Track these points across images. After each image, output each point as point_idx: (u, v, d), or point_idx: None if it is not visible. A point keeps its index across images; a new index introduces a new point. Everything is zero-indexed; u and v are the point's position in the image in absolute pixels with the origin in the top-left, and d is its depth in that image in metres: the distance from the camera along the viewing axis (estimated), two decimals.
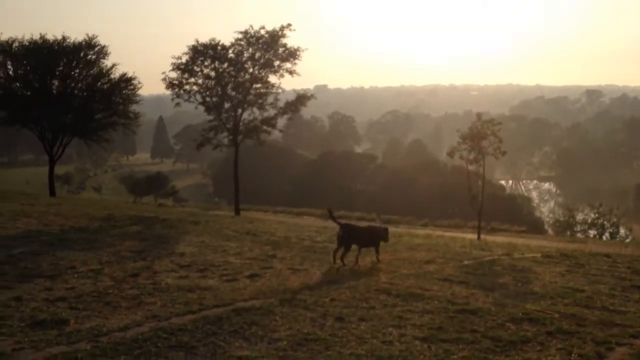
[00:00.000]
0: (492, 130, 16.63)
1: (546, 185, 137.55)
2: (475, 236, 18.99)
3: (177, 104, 25.16)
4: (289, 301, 7.23)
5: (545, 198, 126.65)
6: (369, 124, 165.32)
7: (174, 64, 23.66)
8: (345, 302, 7.27)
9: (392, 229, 28.85)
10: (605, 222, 58.32)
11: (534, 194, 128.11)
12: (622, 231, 60.94)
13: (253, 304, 7.11)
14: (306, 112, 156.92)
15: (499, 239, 27.17)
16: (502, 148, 16.76)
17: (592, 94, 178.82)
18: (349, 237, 9.98)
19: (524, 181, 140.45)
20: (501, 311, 6.93)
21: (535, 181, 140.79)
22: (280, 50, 23.20)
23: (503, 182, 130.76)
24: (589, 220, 59.72)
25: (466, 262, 10.14)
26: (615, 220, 58.88)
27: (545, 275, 9.20)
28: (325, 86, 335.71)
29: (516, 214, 67.84)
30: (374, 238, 10.28)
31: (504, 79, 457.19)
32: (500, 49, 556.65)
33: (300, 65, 23.73)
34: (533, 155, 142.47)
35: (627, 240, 59.87)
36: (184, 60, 23.70)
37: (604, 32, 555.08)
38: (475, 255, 11.15)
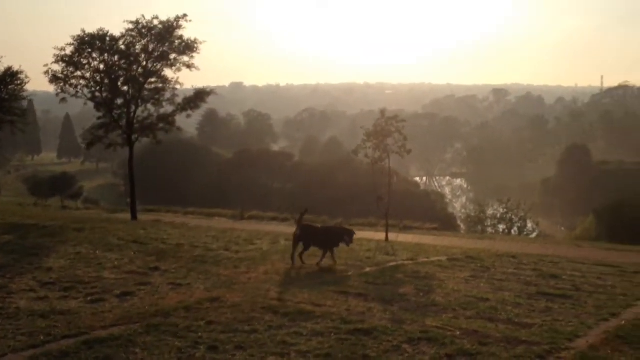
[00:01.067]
0: (397, 127, 16.01)
1: (458, 182, 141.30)
2: (381, 236, 18.36)
3: (63, 100, 23.17)
4: (157, 327, 6.17)
5: (458, 194, 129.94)
6: (286, 121, 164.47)
7: (57, 55, 21.71)
8: (224, 325, 6.29)
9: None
10: (513, 217, 60.12)
11: (447, 190, 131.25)
12: (529, 225, 63.05)
13: (112, 332, 6.01)
14: (222, 109, 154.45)
15: (410, 237, 26.96)
16: (409, 146, 16.23)
17: (499, 92, 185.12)
18: (306, 237, 10.03)
19: (437, 177, 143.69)
20: (398, 329, 6.17)
21: (447, 177, 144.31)
22: (176, 42, 21.73)
23: (418, 178, 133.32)
24: (498, 215, 61.48)
25: (368, 270, 9.40)
26: (522, 214, 60.85)
27: (449, 283, 8.57)
28: (241, 84, 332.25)
29: (430, 210, 68.88)
30: (330, 240, 10.17)
31: (417, 78, 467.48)
32: (413, 49, 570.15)
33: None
34: (445, 152, 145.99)
35: (534, 235, 62.08)
36: (68, 51, 21.79)
37: (509, 33, 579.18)
38: (379, 261, 10.44)
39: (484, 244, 25.87)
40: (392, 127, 15.67)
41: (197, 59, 22.26)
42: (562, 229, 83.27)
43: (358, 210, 56.76)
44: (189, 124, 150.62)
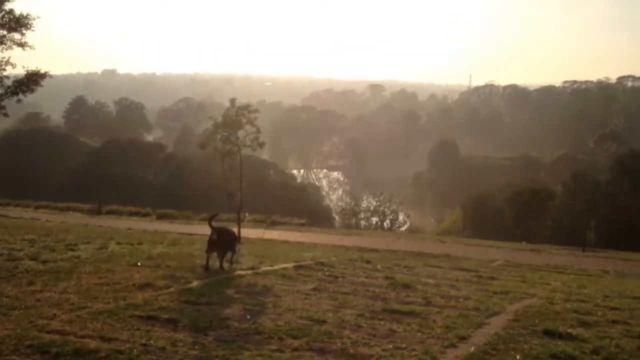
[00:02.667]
0: (249, 118, 14.69)
1: (335, 174, 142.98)
2: (247, 233, 17.05)
3: None
4: None
5: (335, 186, 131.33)
6: (161, 111, 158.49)
7: None
8: None
9: (164, 227, 25.78)
10: (385, 210, 61.09)
11: (324, 183, 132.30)
12: (400, 217, 64.37)
13: None
14: (91, 96, 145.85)
15: (277, 234, 25.90)
16: (263, 138, 14.94)
17: (376, 87, 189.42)
18: (222, 240, 9.37)
19: (314, 170, 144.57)
20: None
21: (325, 170, 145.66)
22: (6, 17, 18.94)
23: (295, 171, 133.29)
24: (371, 208, 62.24)
25: (195, 284, 7.93)
26: (394, 207, 61.95)
27: (287, 299, 7.35)
28: (114, 71, 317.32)
29: (306, 203, 68.55)
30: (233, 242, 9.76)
31: (296, 71, 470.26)
32: (294, 42, 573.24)
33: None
34: (323, 145, 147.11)
35: (404, 228, 63.41)
36: None
37: (386, 30, 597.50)
38: (214, 271, 9.01)
39: (349, 241, 25.31)
40: (243, 118, 14.25)
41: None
42: (432, 220, 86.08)
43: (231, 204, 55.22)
44: (58, 111, 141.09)
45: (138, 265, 8.95)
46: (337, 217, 66.51)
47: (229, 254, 9.65)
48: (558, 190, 58.76)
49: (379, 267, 10.43)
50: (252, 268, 9.29)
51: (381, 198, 62.66)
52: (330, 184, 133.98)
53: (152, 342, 5.52)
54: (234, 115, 14.42)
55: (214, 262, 9.04)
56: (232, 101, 15.05)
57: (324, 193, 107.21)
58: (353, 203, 64.69)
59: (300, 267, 9.73)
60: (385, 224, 60.17)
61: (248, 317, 6.47)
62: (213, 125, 14.63)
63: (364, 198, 66.84)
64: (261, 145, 14.87)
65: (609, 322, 6.87)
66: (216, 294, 7.28)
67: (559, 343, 5.85)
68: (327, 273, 9.24)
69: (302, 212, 60.89)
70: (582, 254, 23.93)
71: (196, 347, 5.44)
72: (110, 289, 7.42)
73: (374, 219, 61.46)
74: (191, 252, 10.93)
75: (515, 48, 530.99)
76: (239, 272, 8.88)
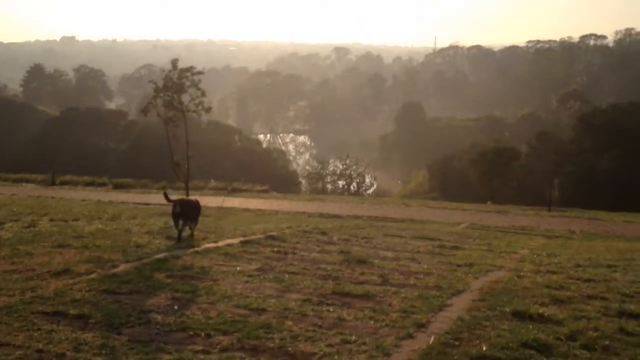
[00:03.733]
0: (192, 80, 13.55)
1: (301, 138, 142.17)
2: (207, 201, 15.94)
3: None
4: None
5: (301, 151, 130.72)
6: (122, 78, 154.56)
7: None
8: None
9: (120, 197, 24.60)
10: (352, 173, 60.58)
11: (291, 147, 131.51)
12: (367, 180, 63.99)
13: None
14: (49, 64, 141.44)
15: (237, 201, 24.99)
16: (207, 103, 13.87)
17: (340, 51, 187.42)
18: (186, 211, 9.46)
19: (281, 135, 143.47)
20: None
21: (291, 135, 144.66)
22: None
23: (262, 136, 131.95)
24: (338, 172, 61.67)
25: (122, 268, 6.97)
26: (361, 170, 61.47)
27: (224, 283, 6.46)
28: (73, 38, 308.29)
29: (272, 168, 67.67)
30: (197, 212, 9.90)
31: (260, 36, 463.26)
32: (258, 6, 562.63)
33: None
34: (289, 110, 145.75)
35: (371, 191, 63.04)
36: None
37: None
38: (149, 250, 8.06)
39: (312, 207, 24.51)
40: (186, 81, 13.12)
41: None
42: (399, 182, 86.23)
43: (200, 172, 54.13)
44: (16, 81, 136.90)
45: (62, 247, 7.93)
46: (303, 182, 65.89)
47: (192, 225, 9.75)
48: (523, 150, 58.85)
49: (334, 239, 9.62)
50: (193, 246, 8.35)
51: (347, 161, 62.15)
52: (297, 148, 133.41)
53: (51, 346, 4.59)
54: (176, 78, 13.26)
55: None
56: (174, 62, 13.77)
57: (290, 158, 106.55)
58: (319, 167, 64.02)
59: (248, 242, 8.84)
60: (352, 187, 59.75)
61: (175, 307, 5.57)
62: (154, 89, 13.44)
63: (331, 162, 66.19)
64: (207, 110, 13.79)
65: (585, 298, 6.17)
66: (143, 280, 6.33)
67: (530, 327, 5.11)
68: (276, 249, 8.38)
69: (268, 177, 60.09)
70: (548, 213, 23.56)
71: (103, 351, 4.53)
72: (21, 278, 6.43)
73: (341, 183, 60.98)
74: (130, 228, 9.92)
75: (478, 8, 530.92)
76: (177, 251, 7.94)
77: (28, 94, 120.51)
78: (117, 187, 32.59)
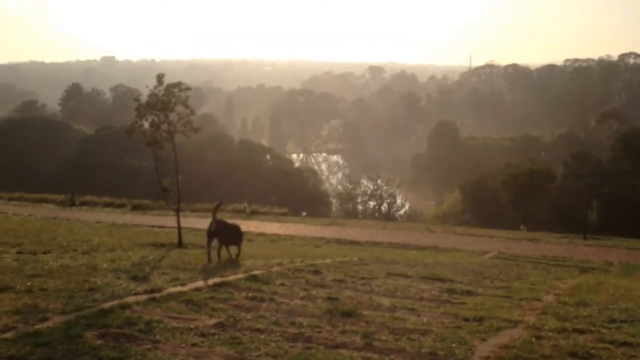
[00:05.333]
0: (179, 97, 12.49)
1: (334, 158, 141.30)
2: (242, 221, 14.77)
3: None
4: None
5: (334, 170, 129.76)
6: None
7: None
8: None
9: (136, 219, 23.74)
10: (383, 193, 59.26)
11: (324, 167, 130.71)
12: (398, 201, 62.55)
13: None
14: (89, 84, 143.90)
15: (254, 225, 23.94)
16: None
17: (375, 70, 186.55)
18: (221, 232, 9.87)
19: (314, 154, 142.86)
20: None
21: (324, 154, 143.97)
22: None
23: (295, 155, 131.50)
24: (369, 192, 60.42)
25: (50, 323, 5.65)
26: (392, 191, 60.11)
27: (166, 347, 5.06)
28: (113, 58, 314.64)
29: (303, 187, 66.80)
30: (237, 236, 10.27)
31: (295, 55, 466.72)
32: (293, 26, 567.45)
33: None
34: (322, 129, 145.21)
35: (401, 212, 61.44)
36: None
37: (384, 11, 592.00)
38: (100, 297, 6.79)
39: (330, 232, 23.28)
40: (172, 98, 12.06)
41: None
42: (432, 203, 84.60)
43: (230, 192, 53.51)
44: (55, 100, 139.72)
45: (1, 290, 6.83)
46: (334, 202, 64.82)
47: (234, 249, 10.22)
48: (559, 171, 56.76)
49: (328, 279, 8.38)
50: (152, 290, 7.15)
51: (378, 181, 60.92)
52: (329, 167, 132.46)
53: None
54: (162, 95, 12.25)
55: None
56: (159, 78, 12.64)
57: (323, 177, 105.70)
58: (350, 187, 62.85)
59: (222, 285, 7.64)
60: (382, 208, 58.43)
61: None
62: (136, 107, 12.43)
63: (362, 182, 65.02)
64: (195, 130, 12.67)
65: None
66: (66, 342, 5.11)
67: None
68: (251, 294, 7.18)
69: (299, 197, 59.26)
70: (584, 242, 21.91)
71: None
72: None
73: (372, 203, 59.73)
74: (98, 264, 8.82)
75: (515, 27, 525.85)
76: (129, 298, 6.78)
77: (66, 113, 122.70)
78: (135, 208, 31.99)
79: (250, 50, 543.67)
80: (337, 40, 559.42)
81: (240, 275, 8.23)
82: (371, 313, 6.61)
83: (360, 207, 60.35)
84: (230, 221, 10.99)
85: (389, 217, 53.81)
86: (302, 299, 7.14)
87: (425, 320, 6.41)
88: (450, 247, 20.13)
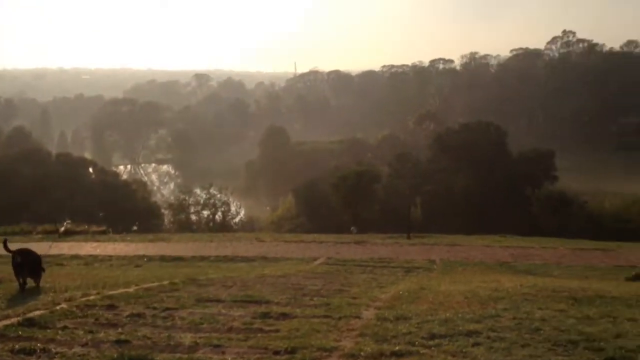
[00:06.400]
0: None
1: (165, 168, 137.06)
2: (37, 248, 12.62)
3: None
4: None
5: (165, 181, 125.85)
6: None
7: None
8: None
9: None
10: (216, 202, 57.79)
11: (154, 177, 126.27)
12: (233, 208, 61.47)
13: None
14: None
15: (66, 246, 21.61)
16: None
17: (201, 77, 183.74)
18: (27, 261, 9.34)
19: (142, 165, 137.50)
20: None
21: (153, 164, 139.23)
22: None
23: (122, 167, 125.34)
24: (202, 201, 58.65)
25: None
26: (226, 199, 58.86)
27: None
28: None
29: (130, 200, 63.48)
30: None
31: (116, 63, 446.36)
32: (112, 33, 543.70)
33: None
34: (149, 139, 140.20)
35: (236, 220, 60.42)
36: None
37: (207, 18, 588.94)
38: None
39: (154, 248, 21.68)
40: None
41: None
42: (268, 208, 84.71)
43: (49, 210, 48.83)
44: None
45: None
46: (166, 213, 62.22)
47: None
48: (384, 171, 59.22)
49: (124, 315, 7.16)
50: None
51: (211, 190, 59.43)
52: (160, 178, 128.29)
53: None
54: None
55: None
56: None
57: (154, 188, 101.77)
58: (182, 197, 60.62)
59: None
60: (217, 216, 57.07)
61: None
62: None
63: (195, 191, 63.04)
64: None
65: None
66: None
67: None
68: (19, 345, 5.79)
69: (127, 211, 55.91)
70: (408, 241, 22.46)
71: None
72: None
73: (205, 213, 58.09)
74: None
75: (336, 34, 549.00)
76: None
77: None
78: None
79: (66, 59, 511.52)
80: (160, 48, 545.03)
81: (13, 320, 6.74)
82: (167, 356, 5.55)
83: (193, 217, 58.48)
84: (33, 248, 10.19)
85: (224, 225, 52.67)
86: (84, 345, 5.88)
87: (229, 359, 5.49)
88: (280, 256, 19.56)
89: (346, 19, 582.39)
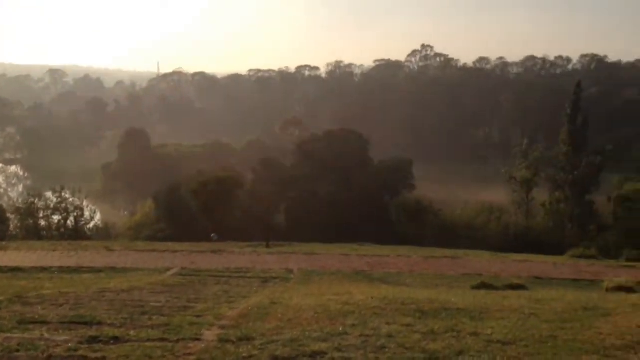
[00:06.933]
0: None
1: (13, 169, 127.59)
2: None
3: None
4: None
5: (13, 182, 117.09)
6: None
7: None
8: None
9: None
10: (69, 206, 54.13)
11: (0, 179, 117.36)
12: (87, 213, 57.92)
13: None
14: None
15: None
16: None
17: (56, 73, 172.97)
18: None
19: None
20: None
21: (0, 165, 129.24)
22: None
23: None
24: (52, 205, 54.74)
25: None
26: (79, 203, 55.34)
27: None
28: None
29: None
30: None
31: None
32: None
33: None
34: None
35: (90, 226, 57.02)
36: None
37: (66, 14, 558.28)
38: None
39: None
40: None
41: None
42: (126, 213, 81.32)
43: None
44: None
45: None
46: (12, 218, 57.42)
47: None
48: (249, 177, 58.72)
49: None
50: None
51: (63, 193, 55.64)
52: (7, 180, 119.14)
53: None
54: None
55: None
56: None
57: (0, 191, 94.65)
58: (31, 201, 56.18)
59: None
60: (69, 222, 53.51)
61: None
62: None
63: (46, 194, 58.66)
64: None
65: None
66: None
67: None
68: None
69: None
70: (266, 250, 22.12)
71: None
72: None
73: (56, 218, 54.24)
74: None
75: (201, 35, 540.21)
76: None
77: None
78: None
79: None
80: (11, 40, 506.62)
81: None
82: None
83: (43, 222, 54.30)
84: None
85: (77, 231, 49.45)
86: None
87: None
88: (130, 266, 18.45)
89: (212, 21, 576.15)
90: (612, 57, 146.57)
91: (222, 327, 7.23)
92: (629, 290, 13.51)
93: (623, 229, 42.58)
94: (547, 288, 14.62)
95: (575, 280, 17.19)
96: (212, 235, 35.08)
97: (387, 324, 7.20)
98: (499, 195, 63.68)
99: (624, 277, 15.07)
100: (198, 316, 8.02)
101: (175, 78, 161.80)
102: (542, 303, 9.05)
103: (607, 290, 13.62)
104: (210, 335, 6.81)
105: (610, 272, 18.32)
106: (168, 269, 17.69)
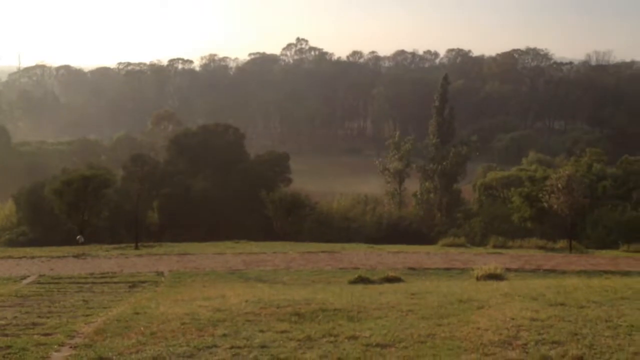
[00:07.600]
0: None
1: None
2: None
3: None
4: None
5: None
6: None
7: None
8: None
9: None
10: None
11: None
12: None
13: None
14: None
15: None
16: None
17: None
18: None
19: None
20: None
21: None
22: None
23: None
24: None
25: None
26: None
27: None
28: None
29: None
30: None
31: None
32: None
33: None
34: None
35: None
36: None
37: None
38: None
39: None
40: None
41: None
42: None
43: None
44: None
45: None
46: None
47: None
48: (119, 174, 56.01)
49: None
50: None
51: None
52: None
53: None
54: None
55: None
56: None
57: None
58: None
59: None
60: None
61: None
62: None
63: None
64: None
65: None
66: None
67: None
68: None
69: None
70: (135, 252, 20.87)
71: None
72: None
73: None
74: None
75: (66, 26, 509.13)
76: None
77: None
78: None
79: None
80: None
81: None
82: None
83: None
84: None
85: None
86: None
87: None
88: None
89: (78, 11, 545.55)
90: (476, 52, 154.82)
91: (74, 347, 6.40)
92: (498, 277, 13.96)
93: (487, 216, 44.89)
94: (421, 278, 14.81)
95: (447, 269, 17.62)
96: (78, 237, 32.96)
97: (261, 331, 6.71)
98: (373, 186, 65.21)
99: (493, 264, 15.60)
100: (47, 334, 7.09)
101: (38, 72, 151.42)
102: (419, 297, 8.95)
103: (478, 278, 14.00)
104: (58, 358, 5.98)
105: (478, 259, 18.98)
106: (24, 277, 16.16)
